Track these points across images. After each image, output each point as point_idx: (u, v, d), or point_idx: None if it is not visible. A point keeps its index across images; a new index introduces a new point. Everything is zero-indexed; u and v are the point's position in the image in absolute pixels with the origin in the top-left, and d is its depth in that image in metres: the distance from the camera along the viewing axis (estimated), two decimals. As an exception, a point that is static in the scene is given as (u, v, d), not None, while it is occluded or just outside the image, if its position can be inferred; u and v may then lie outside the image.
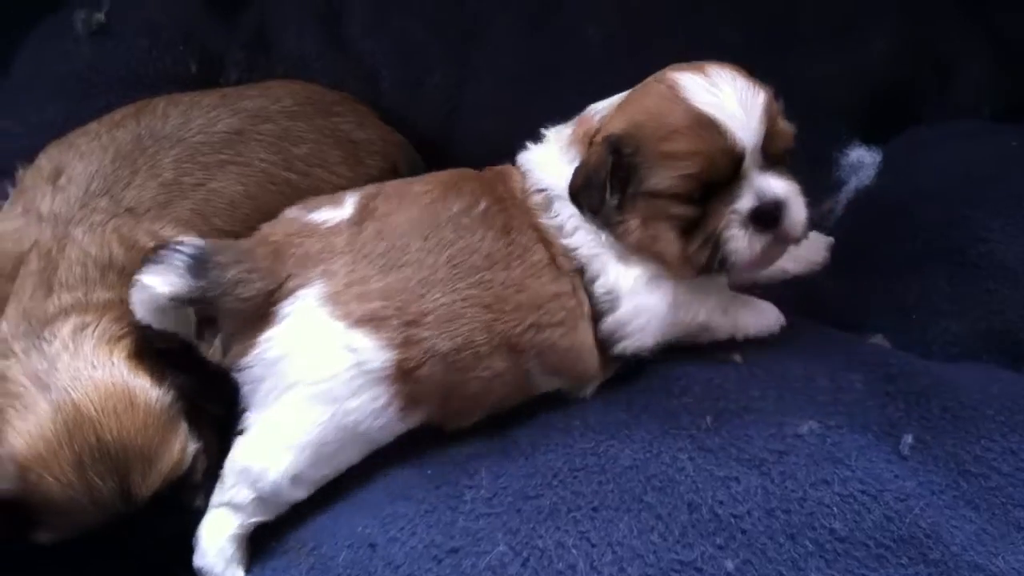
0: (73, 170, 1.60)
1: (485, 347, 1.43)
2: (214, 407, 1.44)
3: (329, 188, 1.67)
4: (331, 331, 1.40)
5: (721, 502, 1.27)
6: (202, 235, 1.57)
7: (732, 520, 1.25)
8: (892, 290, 1.63)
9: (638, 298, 1.47)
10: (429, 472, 1.43)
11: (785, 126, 1.42)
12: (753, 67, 1.89)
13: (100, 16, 2.04)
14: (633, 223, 1.43)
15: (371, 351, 1.39)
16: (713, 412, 1.40)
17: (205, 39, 2.07)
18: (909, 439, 1.32)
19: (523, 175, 1.53)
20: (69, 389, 1.34)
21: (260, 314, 1.43)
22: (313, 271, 1.43)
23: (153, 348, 1.42)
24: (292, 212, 1.55)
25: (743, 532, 1.24)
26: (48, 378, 1.35)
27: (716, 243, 1.40)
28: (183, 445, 1.38)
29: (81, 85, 1.99)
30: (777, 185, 1.40)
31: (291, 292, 1.42)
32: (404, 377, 1.40)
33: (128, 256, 1.52)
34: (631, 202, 1.43)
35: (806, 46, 2.00)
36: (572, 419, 1.46)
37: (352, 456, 1.43)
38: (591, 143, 1.47)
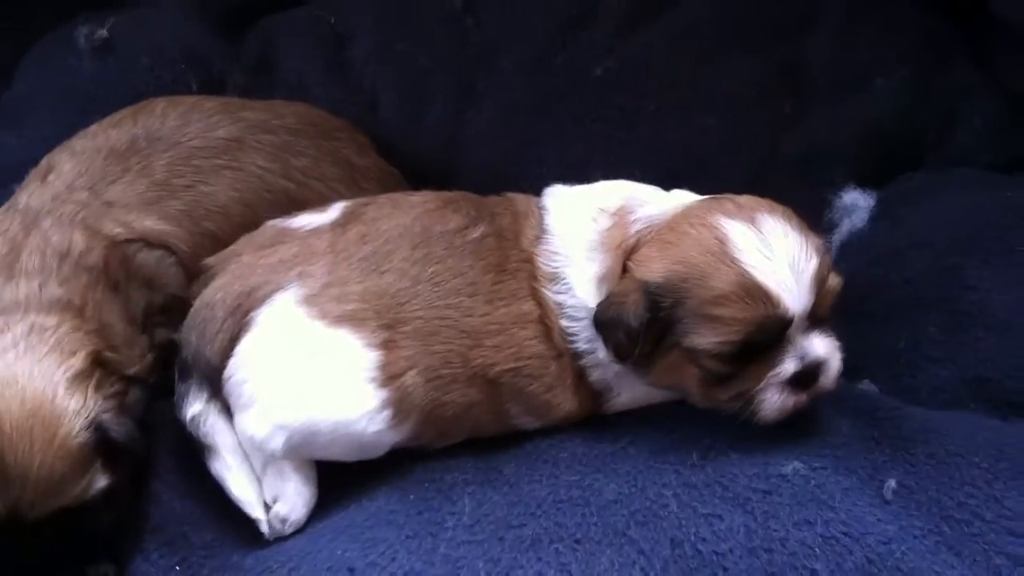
0: (63, 167, 1.61)
1: (461, 372, 1.43)
2: (136, 448, 1.41)
3: (326, 201, 1.65)
4: (312, 330, 1.40)
5: (704, 539, 1.27)
6: (189, 236, 1.62)
7: (714, 557, 1.25)
8: (882, 335, 1.63)
9: (635, 392, 1.47)
10: (412, 497, 1.43)
11: (834, 283, 1.38)
12: (755, 109, 1.93)
13: (103, 32, 2.06)
14: (660, 366, 1.40)
15: (357, 348, 1.39)
16: (700, 448, 1.40)
17: (207, 59, 2.09)
18: (893, 483, 1.31)
19: (537, 225, 1.50)
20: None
21: (235, 335, 1.44)
22: (288, 275, 1.44)
23: (101, 369, 1.40)
24: (271, 222, 1.57)
25: (724, 570, 1.24)
26: None
27: (749, 400, 1.36)
28: (88, 482, 1.33)
29: (82, 100, 2.00)
30: (820, 346, 1.36)
31: (264, 299, 1.43)
32: (391, 382, 1.39)
33: (88, 243, 1.51)
34: (662, 350, 1.37)
35: (811, 89, 2.01)
36: (559, 450, 1.46)
37: (345, 453, 1.42)
38: (624, 268, 1.40)
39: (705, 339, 1.32)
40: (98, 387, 1.38)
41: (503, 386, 1.44)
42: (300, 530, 1.42)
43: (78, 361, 1.38)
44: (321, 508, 1.44)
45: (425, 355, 1.42)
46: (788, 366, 1.34)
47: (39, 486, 1.28)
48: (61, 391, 1.33)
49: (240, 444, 1.45)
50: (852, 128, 1.97)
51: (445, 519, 1.37)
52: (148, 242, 1.57)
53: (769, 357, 1.34)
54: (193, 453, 1.47)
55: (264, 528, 1.41)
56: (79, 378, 1.36)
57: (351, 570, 1.31)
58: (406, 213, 1.51)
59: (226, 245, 1.58)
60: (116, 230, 1.55)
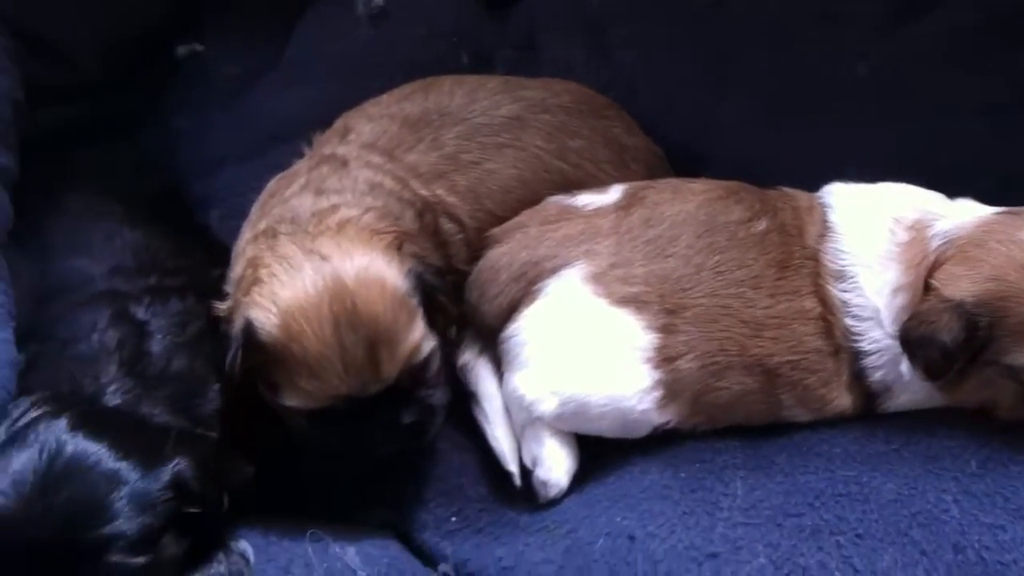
0: (361, 129, 1.70)
1: (737, 360, 1.47)
2: (450, 308, 1.52)
3: (595, 183, 1.72)
4: (596, 307, 1.46)
5: (988, 547, 1.28)
6: (472, 211, 1.68)
7: (999, 567, 1.26)
8: None
9: (915, 396, 1.49)
10: (683, 476, 1.47)
11: None
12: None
13: (380, 1, 2.13)
14: (971, 383, 1.42)
15: (636, 330, 1.45)
16: (978, 458, 1.41)
17: (477, 34, 2.15)
18: None
19: (820, 222, 1.53)
20: (331, 260, 1.41)
21: (515, 301, 1.52)
22: (575, 251, 1.51)
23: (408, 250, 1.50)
24: (554, 199, 1.63)
25: (1010, 580, 1.25)
26: (313, 251, 1.43)
27: None
28: (421, 335, 1.43)
29: (357, 65, 2.08)
30: None
31: (553, 271, 1.50)
32: (666, 364, 1.45)
33: (400, 187, 1.60)
34: (976, 368, 1.39)
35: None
36: (831, 445, 1.49)
37: (610, 429, 1.49)
38: (927, 285, 1.42)
39: None
40: (406, 260, 1.47)
41: (780, 377, 1.47)
42: (572, 494, 1.49)
43: (388, 237, 1.48)
44: (593, 475, 1.51)
45: (702, 341, 1.47)
46: None
47: (388, 332, 1.38)
48: (379, 258, 1.43)
49: (503, 400, 1.53)
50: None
51: (719, 499, 1.41)
52: (446, 211, 1.65)
53: None
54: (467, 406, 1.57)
55: (516, 481, 1.50)
56: (391, 246, 1.46)
57: (631, 538, 1.37)
58: (689, 200, 1.55)
59: (500, 224, 1.66)
60: (422, 191, 1.63)
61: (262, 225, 1.54)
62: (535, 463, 1.49)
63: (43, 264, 1.68)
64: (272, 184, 1.67)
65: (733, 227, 1.52)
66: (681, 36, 2.15)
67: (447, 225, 1.66)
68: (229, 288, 1.52)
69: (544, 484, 1.49)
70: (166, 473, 1.27)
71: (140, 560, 1.21)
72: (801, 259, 1.51)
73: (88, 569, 1.19)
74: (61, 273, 1.65)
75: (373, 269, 1.41)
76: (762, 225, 1.53)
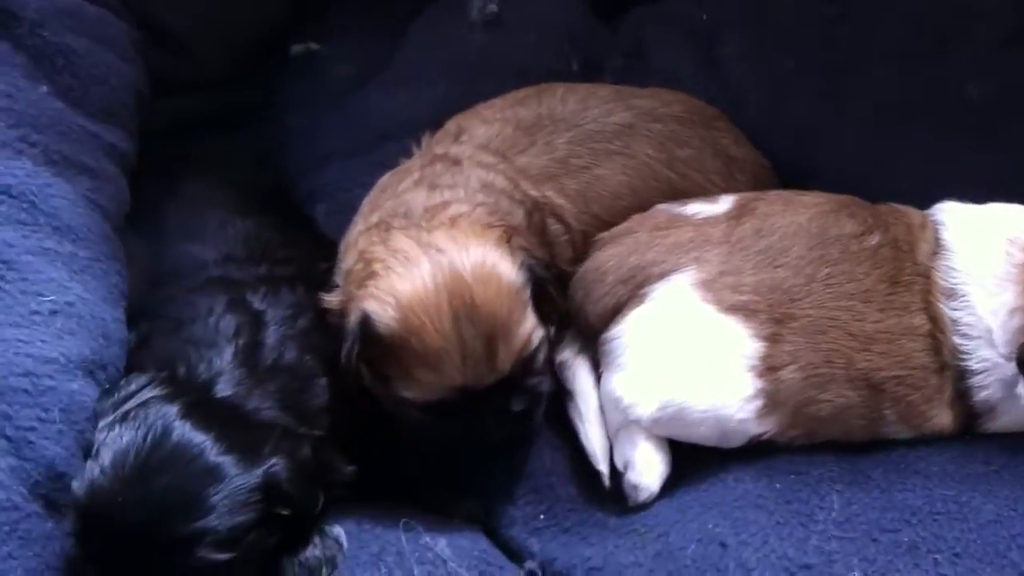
0: (475, 131, 1.72)
1: (842, 373, 1.45)
2: (559, 300, 1.54)
3: (702, 193, 1.72)
4: (703, 313, 1.46)
5: (1090, 575, 1.25)
6: (579, 215, 1.68)
7: (1103, 594, 1.23)
8: None
9: (1019, 417, 1.47)
10: (778, 486, 1.46)
11: None
12: None
13: (494, 7, 2.16)
14: None
15: (743, 337, 1.45)
16: (1083, 484, 1.38)
17: (587, 42, 2.16)
18: None
19: (932, 240, 1.52)
20: (447, 253, 1.42)
21: (621, 303, 1.53)
22: (684, 257, 1.51)
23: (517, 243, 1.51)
24: (663, 206, 1.64)
25: (1117, 609, 1.22)
26: (428, 244, 1.44)
27: None
28: (532, 326, 1.45)
29: (470, 69, 2.11)
30: None
31: (661, 276, 1.50)
32: (769, 373, 1.44)
33: (511, 187, 1.61)
34: None
35: None
36: (928, 463, 1.46)
37: (707, 436, 1.48)
38: None
39: None
40: (517, 254, 1.48)
41: (885, 392, 1.46)
42: (663, 498, 1.49)
43: (498, 230, 1.50)
44: (684, 480, 1.50)
45: (808, 352, 1.45)
46: None
47: (503, 325, 1.40)
48: (492, 251, 1.44)
49: (598, 400, 1.54)
50: None
51: (814, 512, 1.40)
52: (554, 212, 1.67)
53: None
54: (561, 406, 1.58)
55: (605, 482, 1.50)
56: (502, 239, 1.48)
57: (723, 545, 1.37)
58: (800, 212, 1.55)
59: (607, 229, 1.66)
60: (532, 192, 1.64)
61: (374, 218, 1.57)
62: (627, 466, 1.49)
63: (157, 247, 1.74)
64: (384, 179, 1.70)
65: (845, 240, 1.52)
66: (795, 50, 2.14)
67: (554, 226, 1.67)
68: (338, 279, 1.55)
69: (635, 487, 1.48)
70: (261, 474, 1.28)
71: (224, 556, 1.21)
72: (912, 275, 1.50)
73: (172, 559, 1.20)
74: (174, 257, 1.70)
75: (488, 263, 1.43)
76: (874, 239, 1.52)
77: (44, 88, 1.59)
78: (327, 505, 1.43)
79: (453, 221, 1.50)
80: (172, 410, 1.29)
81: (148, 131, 1.85)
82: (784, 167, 2.04)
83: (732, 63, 2.15)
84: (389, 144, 1.98)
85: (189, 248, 1.69)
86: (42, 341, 1.35)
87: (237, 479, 1.25)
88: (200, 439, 1.26)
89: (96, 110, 1.66)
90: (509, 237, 1.50)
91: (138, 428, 1.26)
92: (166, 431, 1.26)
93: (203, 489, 1.22)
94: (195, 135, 2.05)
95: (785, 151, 2.07)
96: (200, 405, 1.33)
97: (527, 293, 1.46)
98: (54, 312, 1.39)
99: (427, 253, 1.43)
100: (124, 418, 1.28)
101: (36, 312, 1.37)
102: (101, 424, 1.29)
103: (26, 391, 1.30)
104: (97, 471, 1.22)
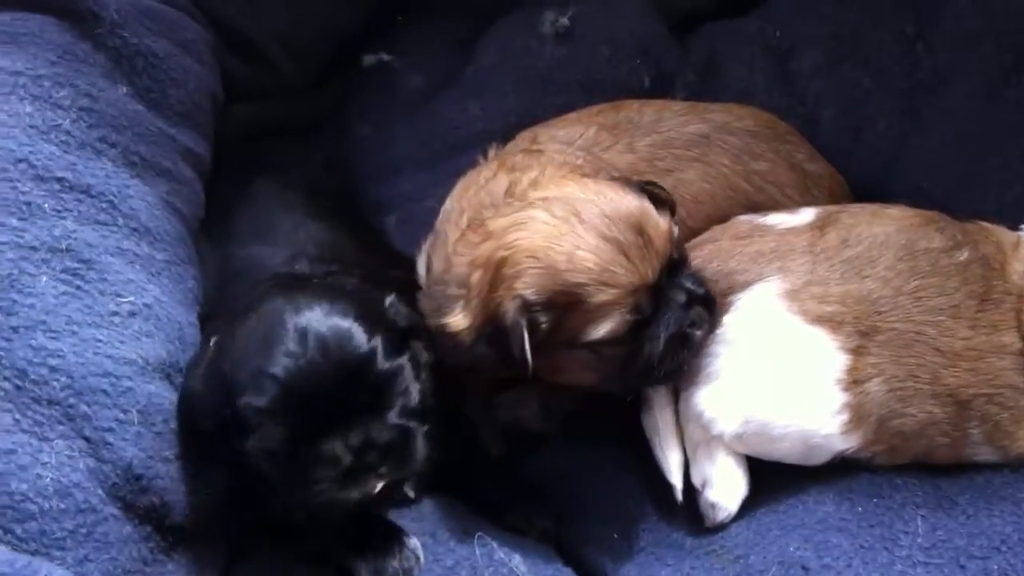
0: (554, 133, 1.72)
1: (927, 388, 1.42)
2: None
3: (778, 207, 1.70)
4: (789, 324, 1.43)
5: None
6: None
7: None
8: None
9: None
10: (860, 509, 1.43)
11: None
12: None
13: (565, 20, 2.15)
14: None
15: (830, 350, 1.41)
16: None
17: (659, 57, 2.14)
18: None
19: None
20: (548, 196, 1.42)
21: None
22: (768, 267, 1.48)
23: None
24: (744, 216, 1.62)
25: None
26: (527, 203, 1.44)
27: None
28: (668, 220, 1.45)
29: (540, 82, 2.10)
30: None
31: (745, 285, 1.48)
32: (854, 386, 1.41)
33: (593, 174, 1.57)
34: None
35: None
36: (1016, 489, 1.44)
37: (789, 452, 1.45)
38: None
39: None
40: None
41: (972, 410, 1.43)
42: (740, 519, 1.46)
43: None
44: (762, 501, 1.48)
45: (893, 365, 1.42)
46: None
47: (642, 212, 1.41)
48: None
49: (676, 413, 1.50)
50: None
51: (898, 536, 1.37)
52: None
53: None
54: (637, 427, 1.54)
55: (678, 496, 1.47)
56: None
57: (805, 568, 1.34)
58: (887, 224, 1.52)
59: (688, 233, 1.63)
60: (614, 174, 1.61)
61: (464, 221, 1.55)
62: (705, 484, 1.46)
63: (227, 249, 1.74)
64: (461, 182, 1.68)
65: (935, 254, 1.49)
66: (873, 69, 2.11)
67: None
68: (446, 298, 1.49)
69: (713, 507, 1.45)
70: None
71: (400, 361, 1.33)
72: (1002, 294, 1.47)
73: (368, 384, 1.30)
74: (244, 259, 1.70)
75: (595, 184, 1.43)
76: (964, 255, 1.49)
77: (124, 89, 1.59)
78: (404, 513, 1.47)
79: (537, 179, 1.50)
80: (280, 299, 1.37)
81: (221, 135, 1.85)
82: (858, 185, 2.00)
83: (806, 80, 2.12)
84: (459, 156, 1.98)
85: (260, 250, 1.69)
86: (120, 342, 1.34)
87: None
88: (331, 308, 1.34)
89: (174, 113, 1.66)
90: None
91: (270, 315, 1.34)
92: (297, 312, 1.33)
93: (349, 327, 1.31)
94: (267, 141, 2.04)
95: (859, 169, 2.05)
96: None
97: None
98: (132, 313, 1.38)
99: (532, 207, 1.42)
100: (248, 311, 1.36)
101: (115, 313, 1.36)
102: None
103: (105, 392, 1.29)
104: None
